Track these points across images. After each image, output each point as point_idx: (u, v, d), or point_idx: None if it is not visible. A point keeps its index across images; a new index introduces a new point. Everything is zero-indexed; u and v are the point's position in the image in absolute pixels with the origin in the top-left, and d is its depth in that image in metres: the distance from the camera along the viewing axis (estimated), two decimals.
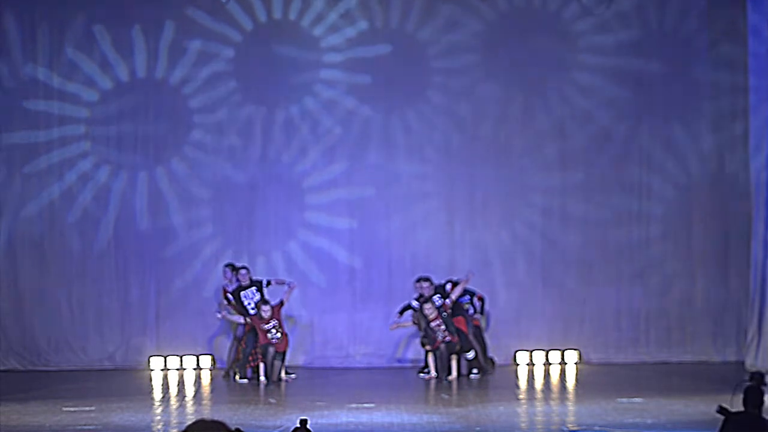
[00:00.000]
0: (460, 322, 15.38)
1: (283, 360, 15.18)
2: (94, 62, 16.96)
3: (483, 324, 16.26)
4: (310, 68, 17.03)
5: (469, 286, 15.74)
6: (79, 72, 16.96)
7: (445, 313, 15.13)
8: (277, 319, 15.03)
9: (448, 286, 15.54)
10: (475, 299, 15.91)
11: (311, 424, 11.52)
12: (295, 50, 17.01)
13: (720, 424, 7.96)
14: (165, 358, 16.67)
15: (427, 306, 15.07)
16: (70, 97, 17.00)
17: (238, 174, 17.03)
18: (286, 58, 16.99)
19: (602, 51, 17.00)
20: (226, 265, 16.00)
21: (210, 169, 17.06)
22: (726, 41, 16.78)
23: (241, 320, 15.42)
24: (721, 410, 7.94)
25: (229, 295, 15.66)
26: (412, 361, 16.50)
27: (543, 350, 16.75)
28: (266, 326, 14.96)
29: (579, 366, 16.55)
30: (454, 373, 15.17)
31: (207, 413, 12.70)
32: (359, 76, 17.06)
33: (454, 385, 14.80)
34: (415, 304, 15.46)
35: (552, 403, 13.44)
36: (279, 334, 15.02)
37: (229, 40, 17.02)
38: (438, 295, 15.40)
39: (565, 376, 15.71)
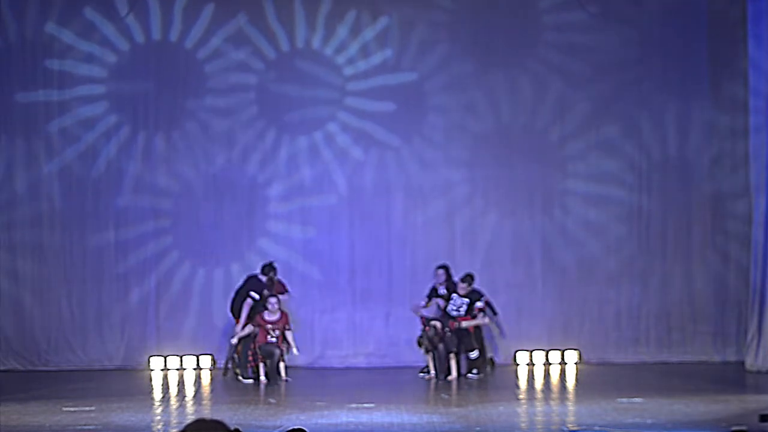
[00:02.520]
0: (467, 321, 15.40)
1: (282, 358, 15.17)
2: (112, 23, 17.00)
3: (494, 325, 16.38)
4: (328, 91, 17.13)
5: (477, 287, 15.74)
6: (97, 33, 16.98)
7: (448, 328, 15.25)
8: (279, 325, 15.12)
9: (479, 304, 15.52)
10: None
11: (311, 423, 11.54)
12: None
13: None
14: (165, 358, 16.66)
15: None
16: (88, 58, 17.03)
17: (238, 172, 17.06)
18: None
19: (601, 87, 17.09)
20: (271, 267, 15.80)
21: (212, 165, 17.08)
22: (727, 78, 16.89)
23: (248, 331, 15.34)
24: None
25: (256, 296, 15.56)
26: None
27: (543, 350, 16.76)
28: (269, 325, 15.02)
29: (579, 366, 16.55)
30: (454, 373, 15.17)
31: (207, 413, 12.69)
32: (364, 89, 17.12)
33: (454, 385, 14.80)
34: (441, 291, 15.58)
35: (552, 403, 13.43)
36: (275, 337, 15.08)
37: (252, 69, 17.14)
38: (467, 301, 15.46)
39: (565, 376, 15.70)
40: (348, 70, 17.10)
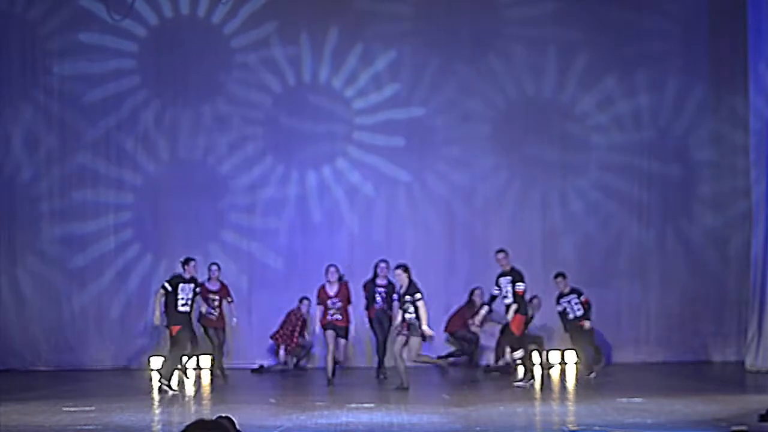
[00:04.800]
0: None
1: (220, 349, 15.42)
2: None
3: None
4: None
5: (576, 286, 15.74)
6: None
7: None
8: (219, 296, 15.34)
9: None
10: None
11: (311, 423, 11.55)
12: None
13: None
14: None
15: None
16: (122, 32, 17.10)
17: (238, 175, 17.12)
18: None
19: (618, 147, 17.18)
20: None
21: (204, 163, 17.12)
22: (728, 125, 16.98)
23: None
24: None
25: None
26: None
27: (543, 350, 16.74)
28: (209, 294, 15.25)
29: (579, 366, 16.53)
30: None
31: (207, 413, 12.68)
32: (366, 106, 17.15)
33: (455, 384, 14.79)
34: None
35: (552, 403, 13.43)
36: (215, 307, 15.29)
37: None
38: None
39: (565, 376, 15.70)
40: (357, 104, 17.15)
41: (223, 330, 15.70)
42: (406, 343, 13.95)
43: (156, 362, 16.60)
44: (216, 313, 15.52)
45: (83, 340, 16.96)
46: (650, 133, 17.13)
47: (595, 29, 17.08)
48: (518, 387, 14.34)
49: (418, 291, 13.91)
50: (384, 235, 17.10)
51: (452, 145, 17.19)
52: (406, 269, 14.08)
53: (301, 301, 16.32)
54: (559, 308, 15.69)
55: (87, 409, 12.73)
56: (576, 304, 15.40)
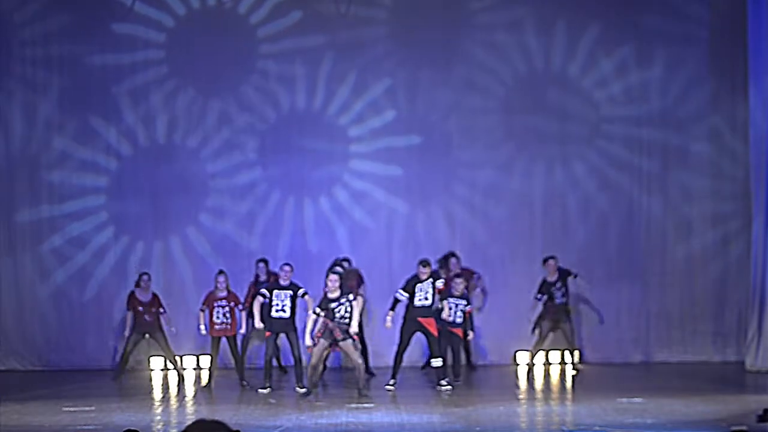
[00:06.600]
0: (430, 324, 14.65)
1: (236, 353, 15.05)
2: None
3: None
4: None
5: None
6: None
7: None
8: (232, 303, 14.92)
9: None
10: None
11: (311, 423, 11.56)
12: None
13: None
14: (165, 358, 16.62)
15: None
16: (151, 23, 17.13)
17: (234, 175, 17.16)
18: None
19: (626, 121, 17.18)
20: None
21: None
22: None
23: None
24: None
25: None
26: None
27: (543, 350, 16.74)
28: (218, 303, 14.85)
29: (579, 366, 16.53)
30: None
31: (207, 413, 12.69)
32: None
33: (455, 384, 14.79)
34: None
35: (552, 403, 13.44)
36: (228, 320, 14.86)
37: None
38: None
39: (565, 376, 15.71)
40: (352, 132, 17.17)
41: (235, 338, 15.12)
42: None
43: (156, 362, 16.61)
44: (228, 321, 15.10)
45: (83, 340, 16.96)
46: (650, 131, 17.11)
47: (595, 27, 17.08)
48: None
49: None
50: (385, 256, 17.12)
51: (457, 161, 17.19)
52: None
53: None
54: (441, 306, 15.12)
55: (87, 409, 12.75)
56: (460, 310, 14.82)
